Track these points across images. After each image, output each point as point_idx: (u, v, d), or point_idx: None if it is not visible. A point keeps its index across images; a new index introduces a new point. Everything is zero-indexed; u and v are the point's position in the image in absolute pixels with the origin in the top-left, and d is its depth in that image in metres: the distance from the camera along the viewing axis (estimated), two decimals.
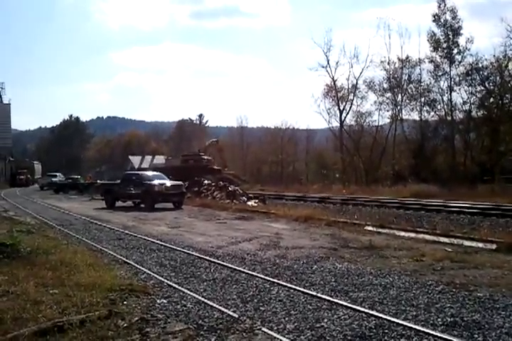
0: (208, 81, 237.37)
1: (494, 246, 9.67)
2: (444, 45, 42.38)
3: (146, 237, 11.94)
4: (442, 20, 42.46)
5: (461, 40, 41.95)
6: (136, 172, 28.96)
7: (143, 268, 8.05)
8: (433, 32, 42.93)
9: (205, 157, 41.91)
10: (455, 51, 41.94)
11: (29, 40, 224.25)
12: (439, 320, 5.23)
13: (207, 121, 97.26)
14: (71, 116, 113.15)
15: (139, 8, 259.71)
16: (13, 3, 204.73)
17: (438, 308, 5.66)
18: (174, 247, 10.35)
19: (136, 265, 8.37)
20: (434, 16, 42.76)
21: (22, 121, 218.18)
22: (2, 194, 39.29)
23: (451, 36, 42.18)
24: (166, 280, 7.13)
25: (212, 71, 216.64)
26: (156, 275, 7.49)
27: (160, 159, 65.99)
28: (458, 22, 42.36)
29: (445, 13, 42.46)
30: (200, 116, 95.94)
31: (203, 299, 6.09)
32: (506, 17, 49.15)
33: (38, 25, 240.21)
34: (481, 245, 9.93)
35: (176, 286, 6.78)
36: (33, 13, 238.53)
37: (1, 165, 68.35)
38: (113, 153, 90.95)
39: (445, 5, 42.45)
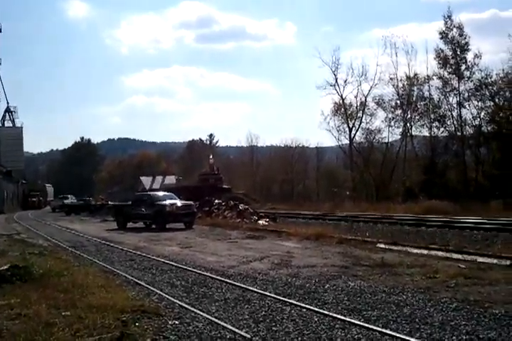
0: (216, 100, 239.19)
1: (508, 262, 9.55)
2: (452, 62, 42.55)
3: (157, 258, 11.94)
4: (449, 37, 42.76)
5: (469, 56, 42.18)
6: (147, 192, 29.08)
7: (155, 289, 8.03)
8: (440, 49, 43.23)
9: (221, 176, 42.26)
10: (463, 67, 42.10)
11: (43, 64, 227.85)
12: (454, 338, 5.15)
13: (217, 141, 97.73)
14: (82, 138, 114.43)
15: (147, 33, 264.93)
16: (27, 30, 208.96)
17: (453, 326, 5.58)
18: (186, 267, 10.33)
19: (147, 286, 8.35)
20: (441, 33, 43.10)
21: (34, 143, 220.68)
22: (15, 216, 39.60)
23: (458, 52, 42.36)
24: (177, 301, 7.10)
25: (220, 92, 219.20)
26: (167, 296, 7.47)
27: (170, 179, 66.23)
28: (465, 38, 42.67)
29: (452, 29, 42.82)
30: (211, 136, 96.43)
31: (215, 319, 6.05)
32: None
33: (50, 51, 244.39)
34: (495, 261, 9.82)
35: (188, 307, 6.74)
36: (45, 39, 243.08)
37: (14, 187, 68.88)
38: (124, 174, 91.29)
39: (451, 22, 42.83)
